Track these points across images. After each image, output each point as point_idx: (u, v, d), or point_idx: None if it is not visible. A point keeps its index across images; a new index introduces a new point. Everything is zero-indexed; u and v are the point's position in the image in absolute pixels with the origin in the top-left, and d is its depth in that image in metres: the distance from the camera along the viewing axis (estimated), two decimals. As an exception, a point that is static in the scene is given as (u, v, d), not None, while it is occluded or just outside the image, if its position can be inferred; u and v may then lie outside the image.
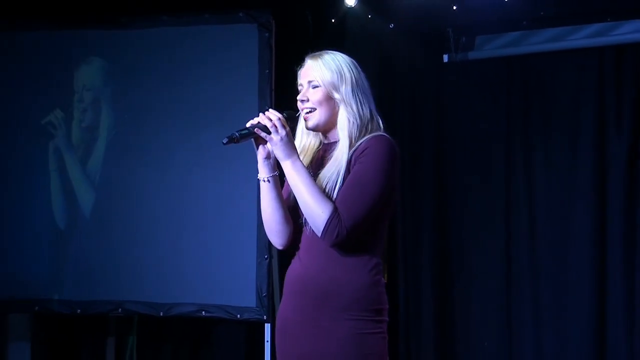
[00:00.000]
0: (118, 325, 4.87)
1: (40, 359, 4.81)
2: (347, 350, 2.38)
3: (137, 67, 4.47)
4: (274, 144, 2.39)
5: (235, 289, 4.26)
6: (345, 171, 2.41)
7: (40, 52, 4.52)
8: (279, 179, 2.50)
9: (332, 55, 2.51)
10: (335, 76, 2.46)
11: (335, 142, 2.49)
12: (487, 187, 4.46)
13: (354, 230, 2.35)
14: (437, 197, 4.54)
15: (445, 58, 4.51)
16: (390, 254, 4.57)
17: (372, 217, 2.40)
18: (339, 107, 2.47)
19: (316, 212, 2.36)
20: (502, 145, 4.43)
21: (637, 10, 4.05)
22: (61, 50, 4.51)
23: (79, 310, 4.43)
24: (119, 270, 4.40)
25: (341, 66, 2.48)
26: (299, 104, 2.50)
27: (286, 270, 2.57)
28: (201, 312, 4.31)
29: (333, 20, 4.49)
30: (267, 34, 4.28)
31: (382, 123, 2.50)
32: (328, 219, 2.35)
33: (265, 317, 4.21)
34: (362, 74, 2.51)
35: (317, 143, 2.57)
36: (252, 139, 2.43)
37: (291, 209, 2.52)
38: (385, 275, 4.45)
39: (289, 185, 2.50)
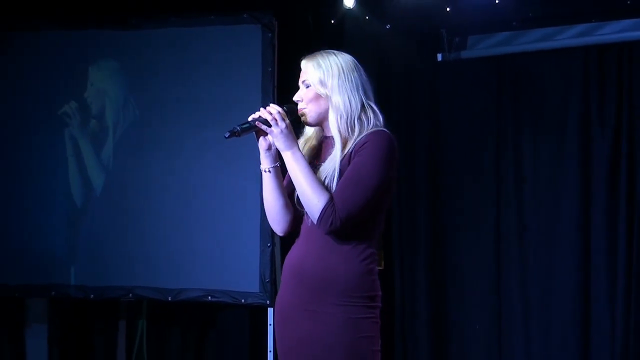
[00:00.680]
0: (129, 310, 4.89)
1: (57, 341, 4.81)
2: (341, 333, 2.41)
3: (147, 65, 4.48)
4: (275, 136, 2.42)
5: (239, 275, 4.28)
6: (341, 165, 2.43)
7: (58, 51, 4.53)
8: (280, 170, 2.52)
9: (324, 54, 2.52)
10: (323, 74, 2.48)
11: (330, 137, 2.52)
12: (478, 181, 4.45)
13: (347, 220, 2.38)
14: (431, 190, 4.53)
15: (439, 57, 4.50)
16: (387, 243, 4.58)
17: (368, 209, 2.41)
18: (329, 104, 2.49)
19: (312, 201, 2.39)
20: (493, 140, 4.42)
21: (619, 11, 4.05)
22: (76, 48, 4.52)
23: (92, 295, 4.46)
24: (130, 257, 4.42)
25: (329, 63, 2.49)
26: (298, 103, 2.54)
27: (286, 256, 2.60)
28: (207, 297, 4.34)
29: (332, 21, 4.49)
30: (269, 34, 4.29)
31: (382, 117, 2.51)
32: (323, 208, 2.38)
33: (268, 301, 4.23)
34: (358, 70, 2.51)
35: (320, 136, 2.59)
36: (254, 132, 2.45)
37: (292, 199, 2.54)
38: (382, 262, 4.47)
39: (286, 179, 2.53)
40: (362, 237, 2.45)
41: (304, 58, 2.55)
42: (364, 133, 2.46)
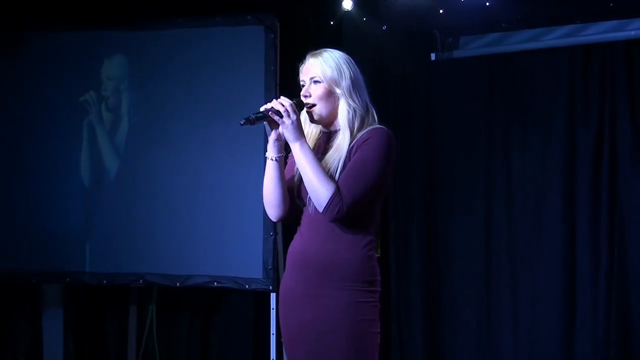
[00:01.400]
0: (139, 295, 4.90)
1: (71, 325, 4.85)
2: (343, 316, 2.44)
3: (156, 64, 4.51)
4: (285, 127, 2.44)
5: (244, 262, 4.30)
6: (346, 158, 2.46)
7: (73, 49, 4.57)
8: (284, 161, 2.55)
9: (330, 52, 2.53)
10: (336, 72, 2.49)
11: (336, 132, 2.53)
12: (470, 172, 4.47)
13: (353, 207, 2.41)
14: (425, 183, 4.55)
15: (433, 57, 4.51)
16: (383, 232, 4.60)
17: (370, 198, 2.46)
18: (339, 100, 2.50)
19: (320, 190, 2.41)
20: (484, 135, 4.45)
21: (602, 13, 4.08)
22: (92, 46, 4.56)
23: (104, 281, 4.48)
24: (140, 246, 4.44)
25: (340, 63, 2.50)
26: (302, 98, 2.53)
27: (289, 246, 2.62)
28: (213, 283, 4.36)
29: (332, 23, 4.50)
30: (272, 35, 4.30)
31: (377, 115, 2.54)
32: (331, 197, 2.40)
33: (270, 287, 4.25)
34: (358, 70, 2.54)
35: (318, 131, 2.62)
36: (266, 122, 2.47)
37: (290, 190, 2.57)
38: (378, 250, 4.48)
39: (291, 168, 2.55)
40: (361, 225, 2.48)
41: (310, 54, 2.55)
42: (365, 130, 2.49)
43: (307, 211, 2.53)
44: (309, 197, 2.48)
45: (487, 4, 4.10)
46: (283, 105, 2.42)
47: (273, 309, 4.31)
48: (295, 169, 2.54)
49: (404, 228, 4.60)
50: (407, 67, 4.62)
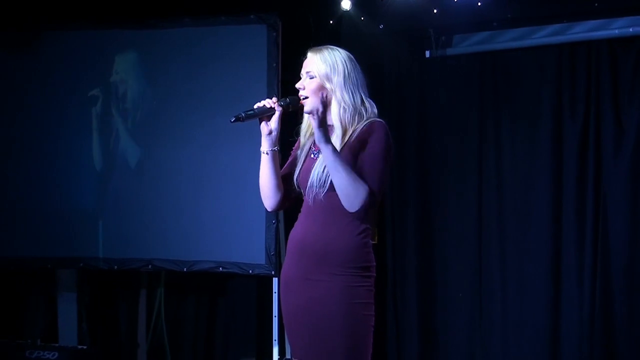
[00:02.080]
0: (149, 279, 4.95)
1: (85, 308, 4.89)
2: (339, 299, 2.48)
3: (163, 61, 4.53)
4: (316, 128, 2.39)
5: (247, 249, 4.32)
6: (342, 152, 2.46)
7: (85, 47, 4.59)
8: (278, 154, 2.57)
9: (330, 49, 2.56)
10: (329, 69, 2.50)
11: (332, 126, 2.55)
12: (462, 165, 4.49)
13: (379, 200, 2.48)
14: (420, 174, 4.57)
15: (427, 54, 4.52)
16: (380, 221, 4.62)
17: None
18: (331, 95, 2.51)
19: (353, 192, 2.41)
20: (475, 127, 4.47)
21: (587, 12, 4.09)
22: (104, 43, 4.58)
23: (116, 267, 4.51)
24: (149, 233, 4.48)
25: (336, 60, 2.52)
26: (300, 92, 2.56)
27: (290, 233, 2.65)
28: (219, 268, 4.38)
29: (331, 22, 4.51)
30: (274, 34, 4.31)
31: (377, 109, 2.56)
32: (365, 199, 2.41)
33: (273, 272, 4.27)
34: (357, 67, 2.56)
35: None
36: (258, 119, 2.49)
37: (285, 181, 2.60)
38: (375, 238, 4.50)
39: (288, 163, 2.57)
40: (358, 214, 2.49)
41: (310, 49, 2.58)
42: (363, 123, 2.50)
43: (307, 201, 2.56)
44: (307, 188, 2.50)
45: (479, 4, 4.11)
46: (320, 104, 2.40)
47: (275, 292, 4.35)
48: (297, 162, 2.59)
49: (400, 217, 4.61)
50: (403, 63, 4.64)
